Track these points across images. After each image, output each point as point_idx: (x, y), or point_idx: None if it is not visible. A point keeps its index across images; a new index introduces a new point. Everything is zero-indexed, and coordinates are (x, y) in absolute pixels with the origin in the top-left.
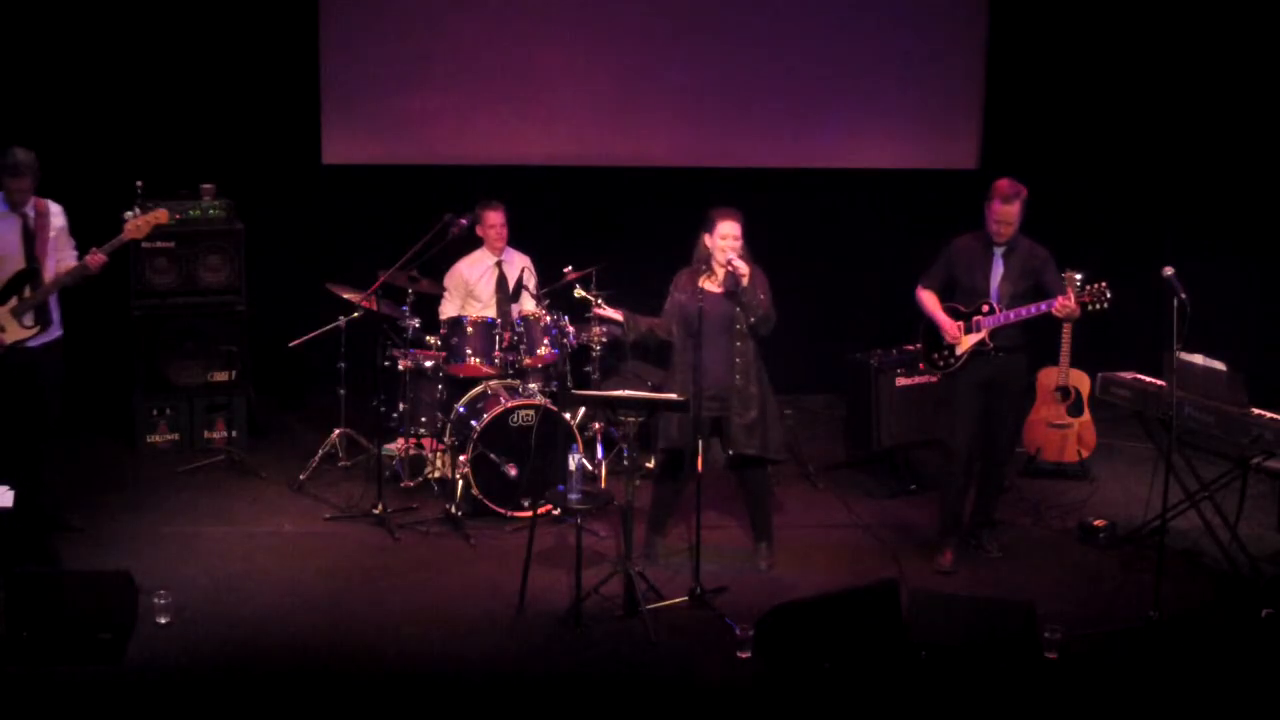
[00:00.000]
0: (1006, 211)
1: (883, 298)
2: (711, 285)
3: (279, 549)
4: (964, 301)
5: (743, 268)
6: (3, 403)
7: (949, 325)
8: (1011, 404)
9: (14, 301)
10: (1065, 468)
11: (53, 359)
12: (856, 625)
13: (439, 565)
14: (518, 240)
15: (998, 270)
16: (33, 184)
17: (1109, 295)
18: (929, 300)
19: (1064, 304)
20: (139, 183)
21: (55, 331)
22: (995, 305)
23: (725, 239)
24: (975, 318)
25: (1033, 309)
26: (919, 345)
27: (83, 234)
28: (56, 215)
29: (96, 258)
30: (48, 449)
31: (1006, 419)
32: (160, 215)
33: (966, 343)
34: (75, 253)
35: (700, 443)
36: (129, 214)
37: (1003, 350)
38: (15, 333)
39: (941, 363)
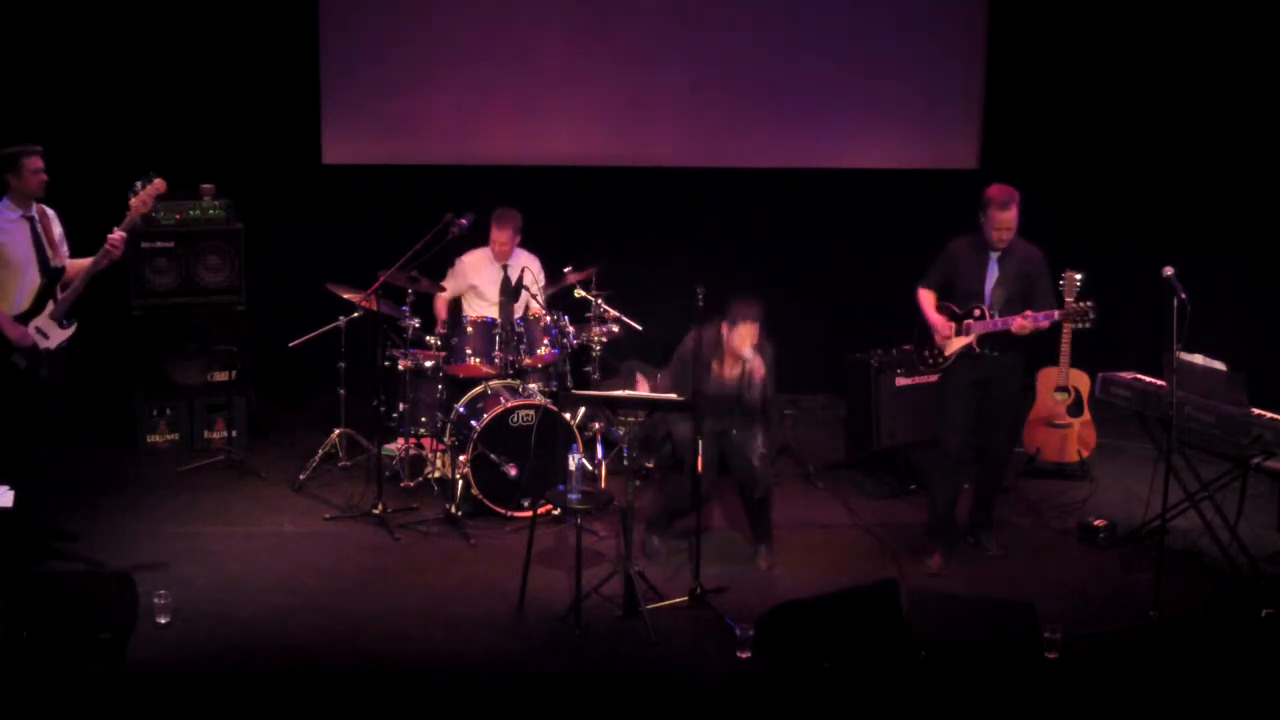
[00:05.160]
0: (1004, 218)
1: (883, 298)
2: (719, 369)
3: (279, 549)
4: (960, 303)
5: (759, 372)
6: (8, 406)
7: (940, 325)
8: (1006, 403)
9: (51, 306)
10: (1065, 468)
11: (58, 363)
12: (856, 625)
13: (439, 565)
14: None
15: (992, 273)
16: None
17: (1093, 316)
18: (925, 300)
19: (1021, 324)
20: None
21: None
22: (986, 310)
23: (743, 340)
24: (966, 321)
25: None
26: (911, 345)
27: (86, 234)
28: (54, 219)
29: (115, 235)
30: (46, 456)
31: (1001, 418)
32: (159, 185)
33: (955, 345)
34: (67, 252)
35: (700, 444)
36: (130, 191)
37: (995, 351)
38: (57, 336)
39: (931, 361)
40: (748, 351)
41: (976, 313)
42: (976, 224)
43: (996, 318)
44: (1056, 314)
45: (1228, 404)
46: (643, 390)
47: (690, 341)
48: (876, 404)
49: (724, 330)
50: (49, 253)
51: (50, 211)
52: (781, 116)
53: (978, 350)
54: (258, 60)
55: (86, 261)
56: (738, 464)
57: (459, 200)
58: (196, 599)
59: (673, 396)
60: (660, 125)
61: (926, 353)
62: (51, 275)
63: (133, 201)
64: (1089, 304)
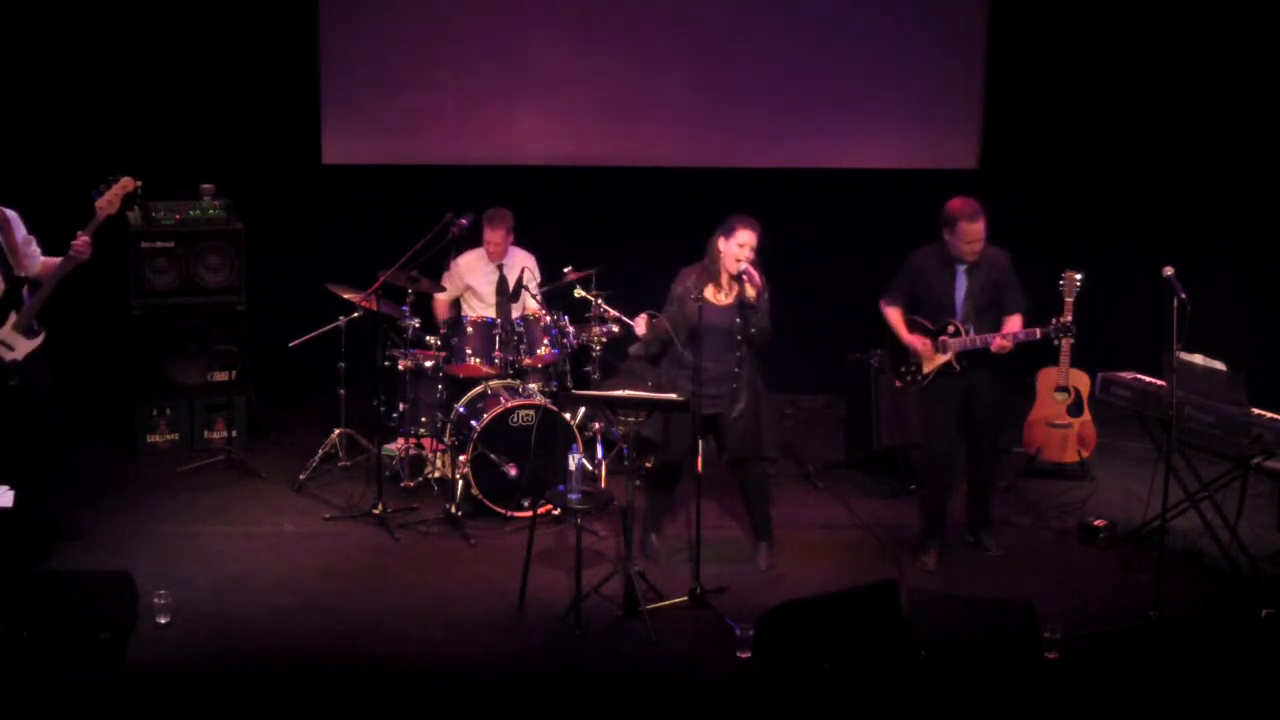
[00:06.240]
0: (975, 230)
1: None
2: (714, 294)
3: (279, 549)
4: (930, 317)
5: (756, 279)
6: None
7: (919, 347)
8: (992, 407)
9: (14, 317)
10: (1065, 468)
11: (37, 364)
12: (856, 625)
13: (439, 565)
14: (518, 240)
15: (961, 286)
16: None
17: (1072, 331)
18: (894, 317)
19: (1000, 345)
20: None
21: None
22: (961, 326)
23: (743, 248)
24: (942, 338)
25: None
26: (879, 358)
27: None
28: (16, 222)
29: (80, 240)
30: (48, 456)
31: (987, 422)
32: (126, 183)
33: (934, 363)
34: (39, 251)
35: (700, 443)
36: (95, 193)
37: (976, 365)
38: (24, 346)
39: (909, 377)
40: (744, 264)
41: (951, 329)
42: (939, 237)
43: (973, 334)
44: (1039, 333)
45: (1228, 404)
46: (641, 327)
47: (679, 280)
48: (876, 404)
49: (719, 245)
50: (10, 260)
51: (12, 215)
52: (781, 116)
53: (958, 368)
54: (258, 60)
55: (55, 263)
56: (727, 434)
57: (459, 200)
58: (196, 599)
59: (673, 396)
60: (660, 125)
61: (903, 369)
62: (13, 283)
63: (99, 203)
64: (1060, 321)
